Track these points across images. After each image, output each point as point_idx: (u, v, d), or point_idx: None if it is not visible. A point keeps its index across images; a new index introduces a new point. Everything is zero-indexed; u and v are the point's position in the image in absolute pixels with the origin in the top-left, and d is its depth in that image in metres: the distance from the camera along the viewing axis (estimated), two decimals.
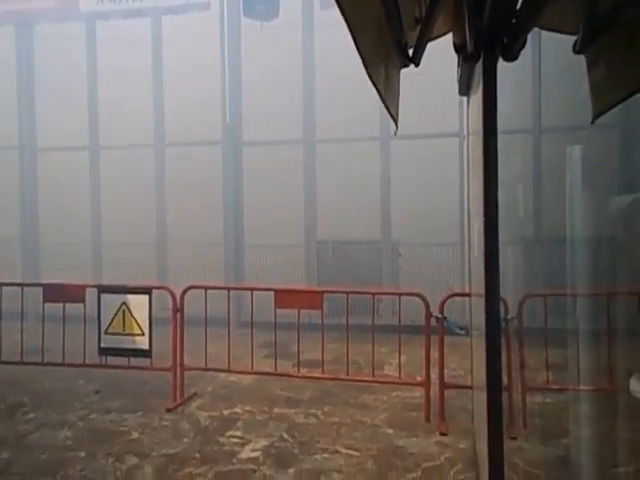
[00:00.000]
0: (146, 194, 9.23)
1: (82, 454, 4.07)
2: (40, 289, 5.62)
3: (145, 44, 9.26)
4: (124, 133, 9.22)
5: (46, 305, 5.54)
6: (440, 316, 4.66)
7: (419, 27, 2.16)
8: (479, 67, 2.51)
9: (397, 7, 1.82)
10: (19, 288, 5.89)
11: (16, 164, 9.73)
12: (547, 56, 6.74)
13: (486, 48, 2.29)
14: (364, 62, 1.49)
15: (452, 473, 3.76)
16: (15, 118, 9.64)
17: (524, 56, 2.44)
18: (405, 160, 8.42)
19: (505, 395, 4.24)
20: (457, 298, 5.21)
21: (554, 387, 4.64)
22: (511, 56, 2.36)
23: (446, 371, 4.78)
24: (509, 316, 4.29)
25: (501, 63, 2.37)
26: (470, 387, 4.53)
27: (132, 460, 3.97)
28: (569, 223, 4.17)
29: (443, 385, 4.71)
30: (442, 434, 4.40)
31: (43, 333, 5.50)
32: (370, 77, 1.65)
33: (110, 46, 9.23)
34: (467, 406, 4.63)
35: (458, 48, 2.44)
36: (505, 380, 4.33)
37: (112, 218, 9.24)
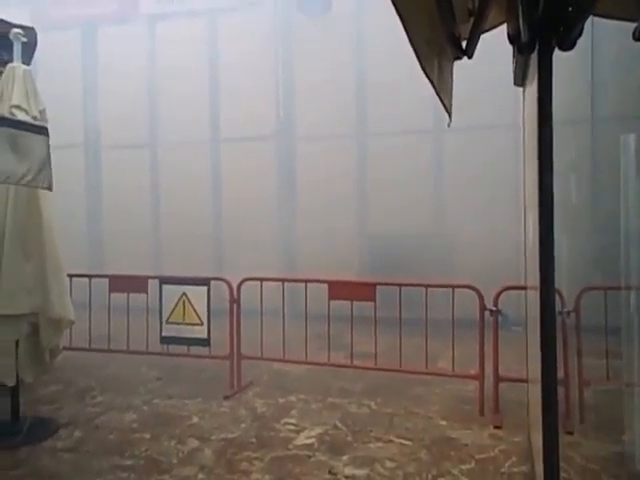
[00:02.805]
0: (203, 189, 9.52)
1: (147, 436, 4.30)
2: (106, 280, 5.91)
3: (202, 42, 9.54)
4: (182, 130, 9.54)
5: (112, 295, 5.84)
6: (494, 309, 4.63)
7: (472, 19, 2.18)
8: (534, 57, 2.50)
9: (450, 0, 1.85)
10: (87, 279, 6.20)
11: (82, 161, 10.23)
12: (606, 43, 6.54)
13: (541, 38, 2.28)
14: (418, 56, 1.53)
15: (506, 465, 3.75)
16: (81, 117, 10.13)
17: (580, 45, 2.41)
18: (459, 152, 8.34)
19: (562, 389, 4.20)
20: (513, 293, 5.12)
21: (613, 382, 4.52)
22: (567, 45, 2.33)
23: (500, 365, 4.73)
24: (566, 309, 4.22)
25: (557, 52, 2.35)
26: (525, 380, 4.48)
27: (193, 443, 4.16)
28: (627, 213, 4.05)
29: (497, 378, 4.67)
30: (496, 427, 4.38)
31: (109, 322, 5.80)
32: (424, 70, 1.69)
33: (168, 45, 9.55)
34: (522, 400, 4.58)
35: (512, 39, 2.44)
36: (561, 374, 4.27)
37: (171, 212, 9.58)
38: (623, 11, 2.35)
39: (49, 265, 4.29)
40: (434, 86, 1.90)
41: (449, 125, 2.88)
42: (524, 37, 2.27)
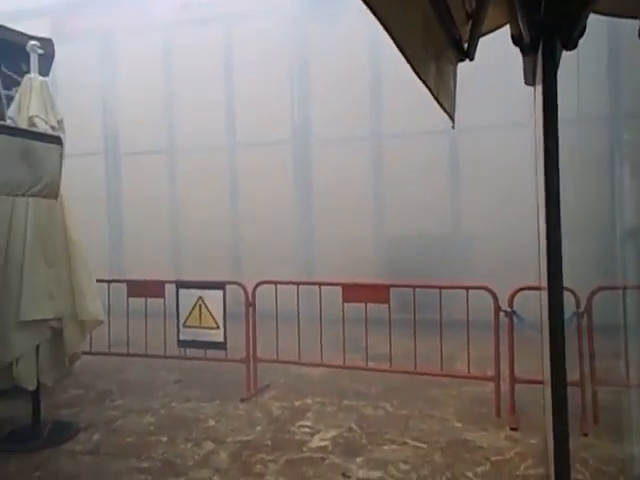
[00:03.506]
0: (220, 193, 9.62)
1: (164, 439, 4.36)
2: (124, 285, 6.01)
3: (218, 49, 9.64)
4: (199, 135, 9.65)
5: (130, 300, 5.93)
6: (509, 310, 4.59)
7: (470, 21, 2.19)
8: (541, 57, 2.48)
9: (446, 4, 1.85)
10: (106, 284, 6.30)
11: (102, 169, 10.42)
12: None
13: (544, 38, 2.26)
14: (409, 61, 1.54)
15: (522, 468, 3.72)
16: (100, 125, 10.32)
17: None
18: (475, 153, 8.29)
19: (577, 391, 4.15)
20: (532, 294, 5.06)
21: (628, 384, 4.45)
22: (571, 45, 2.32)
23: (518, 366, 4.68)
24: (580, 310, 4.17)
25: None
26: (541, 382, 4.44)
27: (209, 445, 4.21)
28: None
29: (514, 380, 4.63)
30: (512, 429, 4.35)
31: (128, 326, 5.89)
32: (418, 75, 1.70)
33: (185, 53, 9.68)
34: (539, 401, 4.53)
35: (516, 40, 2.42)
36: (577, 376, 4.22)
37: (189, 217, 9.70)
38: (625, 9, 2.33)
39: (79, 270, 4.39)
40: (430, 90, 1.91)
41: (453, 127, 2.87)
42: (525, 38, 2.26)
